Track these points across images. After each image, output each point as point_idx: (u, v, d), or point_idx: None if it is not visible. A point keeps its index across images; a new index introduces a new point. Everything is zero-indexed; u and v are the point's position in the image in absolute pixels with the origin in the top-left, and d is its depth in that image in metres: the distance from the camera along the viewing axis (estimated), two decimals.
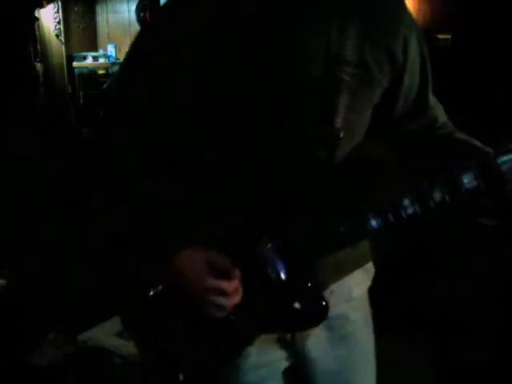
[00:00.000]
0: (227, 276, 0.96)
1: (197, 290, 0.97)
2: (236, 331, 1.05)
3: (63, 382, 2.28)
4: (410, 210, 0.94)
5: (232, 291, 0.97)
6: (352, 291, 1.17)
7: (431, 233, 2.91)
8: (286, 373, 1.18)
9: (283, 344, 1.13)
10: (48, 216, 3.89)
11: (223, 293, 0.96)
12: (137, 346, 1.20)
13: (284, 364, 1.16)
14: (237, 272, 0.97)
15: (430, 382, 2.36)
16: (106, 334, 2.60)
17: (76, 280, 3.03)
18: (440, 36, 3.16)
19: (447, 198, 0.94)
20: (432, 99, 1.11)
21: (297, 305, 1.02)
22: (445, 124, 1.13)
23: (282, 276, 1.00)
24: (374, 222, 0.96)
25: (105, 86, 5.37)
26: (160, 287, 1.05)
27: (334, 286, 1.10)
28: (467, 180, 0.93)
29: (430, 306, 2.70)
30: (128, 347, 2.51)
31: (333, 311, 1.07)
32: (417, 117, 1.09)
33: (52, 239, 3.56)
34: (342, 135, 0.98)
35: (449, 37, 3.18)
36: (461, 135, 1.11)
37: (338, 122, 0.97)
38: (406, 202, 0.94)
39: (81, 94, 5.56)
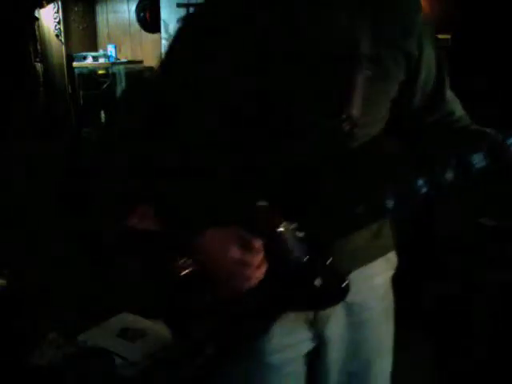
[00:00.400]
0: (252, 249, 1.02)
1: (224, 263, 1.03)
2: (260, 309, 1.09)
3: (63, 382, 2.28)
4: (423, 190, 1.01)
5: (257, 264, 1.03)
6: (374, 279, 1.20)
7: (432, 233, 2.91)
8: (307, 357, 1.21)
9: (306, 327, 1.17)
10: (48, 216, 3.89)
11: (248, 264, 1.02)
12: (170, 330, 1.22)
13: (306, 347, 1.19)
14: (261, 246, 1.03)
15: (429, 382, 2.36)
16: (106, 334, 2.60)
17: (79, 277, 3.03)
18: (440, 36, 3.16)
19: (459, 178, 1.01)
20: (449, 94, 1.15)
21: (317, 282, 1.06)
22: (461, 118, 1.17)
23: (303, 255, 1.05)
24: (390, 203, 1.02)
25: (105, 86, 5.37)
26: (190, 268, 1.10)
27: (355, 273, 1.12)
28: (477, 160, 1.00)
29: (430, 306, 2.70)
30: (128, 347, 2.51)
31: (354, 298, 1.12)
32: (434, 110, 1.14)
33: (52, 239, 3.56)
34: (357, 124, 1.03)
35: (449, 37, 3.17)
36: (476, 127, 1.15)
37: (355, 111, 1.02)
38: (420, 182, 1.01)
39: (81, 93, 5.56)
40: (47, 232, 3.64)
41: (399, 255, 1.30)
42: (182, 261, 1.11)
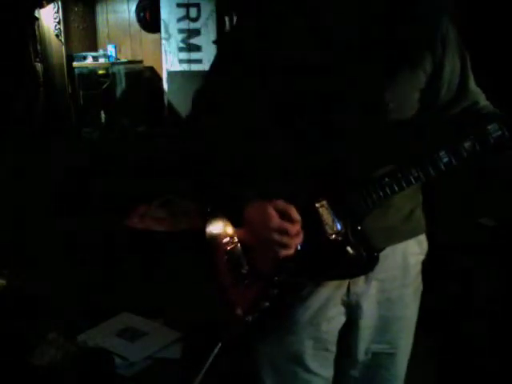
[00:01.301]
0: (290, 220, 1.12)
1: (264, 230, 1.13)
2: (296, 277, 1.20)
3: (63, 382, 2.28)
4: (445, 159, 1.11)
5: (295, 232, 1.12)
6: (407, 259, 1.28)
7: (432, 233, 2.90)
8: (342, 336, 1.30)
9: (339, 301, 1.25)
10: (48, 216, 3.89)
11: (287, 233, 1.11)
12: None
13: (339, 322, 1.27)
14: (299, 217, 1.13)
15: (429, 382, 2.36)
16: (106, 334, 2.60)
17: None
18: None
19: (477, 147, 1.10)
20: (473, 86, 1.24)
21: (350, 249, 1.16)
22: (485, 106, 1.25)
23: (337, 225, 1.16)
24: (415, 174, 1.12)
25: (105, 85, 5.37)
26: (235, 243, 1.24)
27: (388, 250, 1.22)
28: (493, 130, 1.10)
29: (430, 306, 2.70)
30: (128, 347, 2.51)
31: (386, 274, 1.23)
32: (459, 101, 1.22)
33: (52, 238, 3.56)
34: (390, 107, 1.13)
35: None
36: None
37: (387, 96, 1.13)
38: (442, 153, 1.11)
39: (81, 93, 5.55)
40: (47, 231, 3.64)
41: None
42: (227, 239, 1.25)
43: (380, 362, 1.32)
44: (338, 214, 1.16)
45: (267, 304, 1.21)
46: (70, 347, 2.40)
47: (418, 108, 1.19)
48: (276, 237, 1.12)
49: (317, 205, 1.16)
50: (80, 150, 5.05)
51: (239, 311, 1.24)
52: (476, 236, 2.74)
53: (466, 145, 1.10)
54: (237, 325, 1.26)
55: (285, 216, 1.13)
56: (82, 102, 5.57)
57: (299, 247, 1.16)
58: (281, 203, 1.13)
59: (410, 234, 1.29)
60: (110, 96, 5.33)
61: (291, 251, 1.14)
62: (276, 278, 1.19)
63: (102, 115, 5.39)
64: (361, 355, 1.30)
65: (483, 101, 1.25)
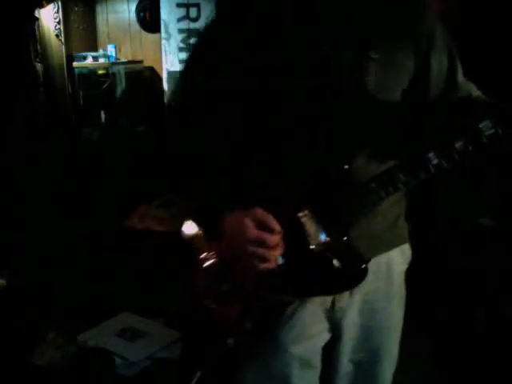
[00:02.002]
0: (269, 230, 1.05)
1: (240, 242, 1.06)
2: (279, 294, 1.12)
3: (63, 382, 2.28)
4: (435, 161, 1.03)
5: (274, 244, 1.05)
6: (390, 268, 1.24)
7: (432, 233, 2.91)
8: (324, 349, 1.25)
9: (324, 317, 1.20)
10: (48, 216, 3.89)
11: (265, 244, 1.05)
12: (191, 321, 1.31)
13: (324, 338, 1.23)
14: (278, 227, 1.06)
15: (429, 381, 2.36)
16: (106, 334, 2.60)
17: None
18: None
19: (469, 147, 1.02)
20: (461, 77, 1.19)
21: (336, 262, 1.09)
22: (478, 97, 1.19)
23: (321, 236, 1.08)
24: (402, 178, 1.05)
25: (105, 85, 5.36)
26: (213, 259, 1.16)
27: (372, 261, 1.15)
28: (485, 128, 1.01)
29: (430, 306, 2.70)
30: (128, 347, 2.51)
31: (370, 286, 1.17)
32: (447, 96, 1.17)
33: (52, 238, 3.56)
34: (374, 107, 1.08)
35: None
36: (484, 98, 1.19)
37: (368, 97, 1.08)
38: (431, 154, 1.03)
39: (81, 93, 5.55)
40: (46, 231, 3.64)
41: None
42: (204, 254, 1.17)
43: (364, 371, 1.29)
44: (322, 224, 1.09)
45: (250, 325, 1.14)
46: (70, 347, 2.40)
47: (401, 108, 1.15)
48: (253, 248, 1.05)
49: (299, 214, 1.09)
50: (80, 149, 5.05)
51: (221, 333, 1.17)
52: (476, 236, 2.74)
53: (458, 145, 1.03)
54: (219, 348, 1.18)
55: (263, 226, 1.06)
56: (82, 102, 5.57)
57: (281, 261, 1.08)
58: (258, 212, 1.06)
59: (395, 243, 1.25)
60: (110, 96, 5.33)
61: (271, 264, 1.06)
62: (259, 296, 1.11)
63: (102, 115, 5.38)
64: (344, 367, 1.27)
65: (475, 91, 1.20)
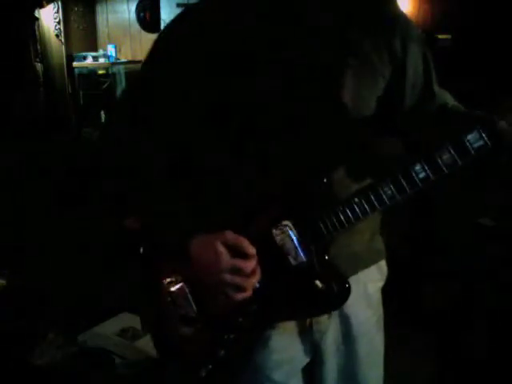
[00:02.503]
0: (244, 255, 0.97)
1: (213, 271, 0.97)
2: (257, 319, 1.03)
3: (63, 382, 2.28)
4: (421, 175, 0.96)
5: (250, 270, 0.97)
6: (367, 287, 1.18)
7: (432, 233, 2.91)
8: (305, 371, 1.19)
9: (303, 341, 1.13)
10: (48, 216, 3.89)
11: (241, 272, 0.96)
12: (155, 345, 1.16)
13: (304, 360, 1.17)
14: (254, 251, 0.97)
15: (430, 381, 2.36)
16: (106, 334, 2.60)
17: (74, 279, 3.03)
18: (440, 36, 3.16)
19: (458, 160, 0.95)
20: (437, 88, 1.15)
21: (318, 283, 1.01)
22: (454, 106, 1.15)
23: (301, 255, 1.00)
24: (388, 192, 0.98)
25: (105, 85, 5.36)
26: (180, 283, 1.05)
27: (350, 281, 1.07)
28: (473, 140, 0.95)
29: (430, 306, 2.70)
30: (128, 347, 2.51)
31: (349, 308, 1.10)
32: (424, 105, 1.12)
33: (52, 238, 3.56)
34: (350, 115, 1.02)
35: (449, 37, 3.17)
36: (467, 110, 1.13)
37: (346, 99, 1.02)
38: (418, 167, 0.96)
39: (81, 93, 5.55)
40: (47, 231, 3.64)
41: (399, 257, 1.30)
42: (170, 278, 1.06)
43: None
44: (301, 242, 1.00)
45: (223, 352, 1.05)
46: (70, 347, 2.40)
47: (376, 117, 1.09)
48: (228, 278, 0.96)
49: (275, 231, 1.00)
50: (80, 150, 5.05)
51: (193, 362, 1.08)
52: (476, 236, 2.74)
53: (445, 158, 0.96)
54: (191, 375, 1.10)
55: (237, 251, 0.97)
56: (82, 101, 5.57)
57: (258, 285, 1.00)
58: (230, 236, 0.97)
59: (373, 260, 1.19)
60: (110, 96, 5.33)
61: (248, 293, 0.98)
62: (233, 322, 1.03)
63: (102, 115, 5.38)
64: None
65: (451, 101, 1.16)
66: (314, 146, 1.03)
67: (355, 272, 1.12)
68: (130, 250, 1.17)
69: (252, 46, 1.01)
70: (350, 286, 1.03)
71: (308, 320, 1.12)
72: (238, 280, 0.97)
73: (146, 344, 2.54)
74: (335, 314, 1.13)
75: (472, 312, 2.55)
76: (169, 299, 1.07)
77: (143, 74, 1.12)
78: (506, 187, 2.58)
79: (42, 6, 5.40)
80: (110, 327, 2.67)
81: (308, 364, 1.19)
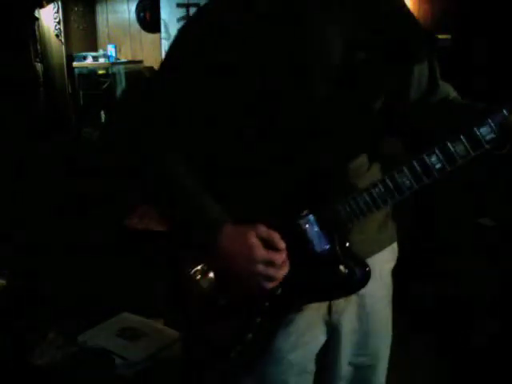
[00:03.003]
0: (276, 248, 1.03)
1: (246, 263, 1.03)
2: (282, 303, 1.10)
3: (63, 382, 2.28)
4: (438, 166, 1.03)
5: (281, 262, 1.04)
6: (381, 269, 1.25)
7: (432, 233, 2.91)
8: (319, 352, 1.25)
9: (321, 322, 1.20)
10: (48, 216, 3.89)
11: (273, 264, 1.03)
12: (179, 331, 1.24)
13: (321, 342, 1.23)
14: (284, 245, 1.04)
15: (430, 381, 2.36)
16: (106, 334, 2.60)
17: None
18: (440, 36, 3.16)
19: (471, 152, 1.02)
20: (440, 82, 1.21)
21: (342, 268, 1.08)
22: (456, 98, 1.22)
23: (324, 242, 1.07)
24: (407, 183, 1.04)
25: (105, 85, 5.36)
26: (207, 272, 1.12)
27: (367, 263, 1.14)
28: (485, 133, 1.01)
29: (430, 306, 2.70)
30: (128, 347, 2.51)
31: (366, 289, 1.15)
32: (428, 97, 1.19)
33: (52, 238, 3.56)
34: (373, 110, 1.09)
35: (449, 37, 3.17)
36: (472, 102, 1.19)
37: (359, 98, 1.08)
38: (433, 159, 1.03)
39: (81, 93, 5.55)
40: (47, 232, 3.64)
41: (398, 257, 1.32)
42: (197, 268, 1.12)
43: (362, 375, 1.30)
44: (323, 229, 1.07)
45: (250, 335, 1.12)
46: (70, 347, 2.40)
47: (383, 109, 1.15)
48: (261, 269, 1.03)
49: (300, 222, 1.07)
50: (80, 149, 5.05)
51: (222, 347, 1.14)
52: (476, 236, 2.74)
53: (459, 149, 1.03)
54: (221, 361, 1.16)
55: (269, 244, 1.04)
56: (82, 101, 5.57)
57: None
58: (264, 230, 1.04)
59: (387, 243, 1.26)
60: (110, 96, 5.32)
61: (277, 282, 1.05)
62: (260, 307, 1.10)
63: (102, 115, 5.38)
64: (344, 371, 1.27)
65: (452, 92, 1.23)
66: (336, 139, 1.09)
67: (369, 256, 1.17)
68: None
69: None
70: (370, 270, 1.10)
71: (326, 303, 1.18)
72: (270, 271, 1.03)
73: (146, 344, 2.54)
74: (353, 294, 1.18)
75: (472, 312, 2.55)
76: (197, 288, 1.13)
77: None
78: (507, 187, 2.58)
79: (42, 6, 5.40)
80: (110, 327, 2.67)
81: (326, 346, 1.24)
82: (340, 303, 1.20)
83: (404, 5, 1.19)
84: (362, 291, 1.16)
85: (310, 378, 1.27)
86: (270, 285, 1.05)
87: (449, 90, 1.22)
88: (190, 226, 1.11)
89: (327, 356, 1.26)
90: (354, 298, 1.20)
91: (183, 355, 2.45)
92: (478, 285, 2.61)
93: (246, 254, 1.03)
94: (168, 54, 1.17)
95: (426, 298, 2.74)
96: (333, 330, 1.23)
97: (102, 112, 5.38)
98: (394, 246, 1.30)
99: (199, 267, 1.13)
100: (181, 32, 1.15)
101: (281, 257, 1.04)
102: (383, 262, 1.25)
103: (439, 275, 2.76)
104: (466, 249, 2.73)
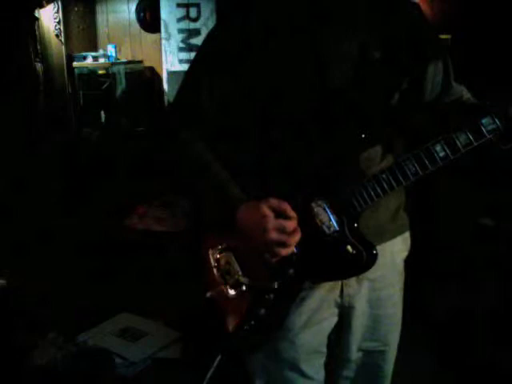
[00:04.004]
0: (287, 217, 1.10)
1: (260, 231, 1.09)
2: (294, 280, 1.17)
3: (63, 382, 2.28)
4: (441, 154, 1.10)
5: (292, 229, 1.10)
6: (394, 257, 1.31)
7: (432, 232, 2.90)
8: (334, 337, 1.30)
9: (333, 303, 1.25)
10: (48, 216, 3.89)
11: (285, 231, 1.09)
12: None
13: (331, 324, 1.28)
14: (294, 214, 1.11)
15: (430, 381, 2.36)
16: (106, 334, 2.60)
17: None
18: (440, 36, 3.16)
19: (473, 141, 1.09)
20: (454, 83, 1.28)
21: (350, 248, 1.15)
22: (469, 99, 1.28)
23: (334, 224, 1.14)
24: (412, 169, 1.11)
25: (105, 85, 5.36)
26: (226, 249, 1.21)
27: (378, 249, 1.18)
28: (487, 123, 1.09)
29: (430, 306, 2.70)
30: (128, 347, 2.51)
31: (376, 273, 1.23)
32: (443, 98, 1.26)
33: (51, 239, 3.56)
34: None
35: (449, 37, 3.18)
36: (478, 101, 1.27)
37: (373, 94, 1.15)
38: (438, 147, 1.10)
39: (81, 93, 5.55)
40: (47, 232, 3.64)
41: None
42: (216, 247, 1.21)
43: (372, 359, 1.34)
44: (333, 212, 1.14)
45: (263, 311, 1.18)
46: (70, 347, 2.41)
47: (397, 110, 1.22)
48: (274, 235, 1.09)
49: (312, 204, 1.15)
50: (80, 149, 5.05)
51: (236, 321, 1.21)
52: (476, 236, 2.74)
53: (462, 139, 1.10)
54: (235, 335, 1.22)
55: (280, 214, 1.10)
56: (82, 102, 5.57)
57: (296, 250, 1.14)
58: (274, 201, 1.11)
59: (398, 232, 1.31)
60: (110, 96, 5.33)
61: (291, 249, 1.11)
62: (275, 283, 1.16)
63: (102, 115, 5.38)
64: (353, 354, 1.32)
65: (466, 94, 1.28)
66: (349, 130, 1.16)
67: (380, 242, 1.22)
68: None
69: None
70: (377, 253, 1.15)
71: (339, 284, 1.24)
72: (283, 237, 1.09)
73: (146, 344, 2.54)
74: (365, 278, 1.24)
75: (472, 312, 2.55)
76: (215, 265, 1.22)
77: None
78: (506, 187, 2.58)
79: (42, 6, 5.40)
80: (110, 327, 2.67)
81: (337, 329, 1.29)
82: (352, 286, 1.25)
83: (418, 10, 1.26)
84: (374, 275, 1.22)
85: (321, 359, 1.31)
86: (284, 251, 1.10)
87: (462, 91, 1.28)
88: (213, 203, 1.20)
89: (338, 338, 1.30)
90: (365, 282, 1.25)
91: (183, 355, 2.45)
92: (478, 285, 2.61)
93: (259, 223, 1.09)
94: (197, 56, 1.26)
95: (426, 298, 2.74)
96: (344, 313, 1.27)
97: (102, 112, 5.39)
98: (406, 235, 1.35)
99: (218, 246, 1.22)
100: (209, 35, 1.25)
101: (292, 224, 1.10)
102: (395, 250, 1.30)
103: (439, 275, 2.76)
104: (466, 249, 2.73)
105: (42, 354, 2.34)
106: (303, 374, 1.28)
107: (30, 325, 2.55)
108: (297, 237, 1.11)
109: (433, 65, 1.22)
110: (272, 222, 1.09)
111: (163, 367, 2.41)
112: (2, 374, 2.25)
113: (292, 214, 1.10)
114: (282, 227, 1.09)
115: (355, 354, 1.32)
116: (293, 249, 1.12)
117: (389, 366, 1.38)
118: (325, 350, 1.30)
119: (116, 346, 2.51)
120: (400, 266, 1.35)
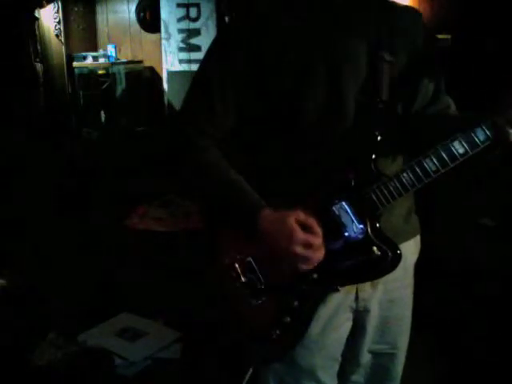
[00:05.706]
0: (313, 232, 1.09)
1: (287, 243, 1.08)
2: (318, 285, 1.16)
3: (63, 382, 2.28)
4: (461, 151, 1.11)
5: (318, 245, 1.09)
6: (407, 259, 1.29)
7: (432, 233, 2.91)
8: (347, 339, 1.29)
9: (348, 308, 1.25)
10: (48, 216, 3.90)
11: (311, 246, 1.08)
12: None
13: (347, 329, 1.27)
14: (320, 230, 1.10)
15: (429, 381, 2.36)
16: (106, 334, 2.60)
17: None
18: (440, 36, 3.16)
19: (469, 150, 1.11)
20: (443, 94, 1.29)
21: (375, 249, 1.14)
22: (453, 111, 1.29)
23: (358, 226, 1.14)
24: (432, 166, 1.11)
25: (105, 85, 5.37)
26: (246, 257, 1.18)
27: None
28: (479, 134, 1.10)
29: (430, 306, 2.70)
30: (128, 347, 2.51)
31: (390, 275, 1.19)
32: (435, 102, 1.27)
33: (51, 238, 3.56)
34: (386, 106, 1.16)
35: (449, 37, 3.18)
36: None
37: (384, 95, 1.17)
38: (457, 144, 1.11)
39: (81, 93, 5.56)
40: (47, 232, 3.64)
41: None
42: (236, 255, 1.19)
43: (381, 362, 1.34)
44: (356, 214, 1.14)
45: (289, 319, 1.16)
46: (70, 347, 2.40)
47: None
48: (300, 251, 1.08)
49: (334, 208, 1.14)
50: (80, 150, 5.06)
51: (262, 330, 1.19)
52: (476, 236, 2.74)
53: (459, 149, 1.11)
54: (262, 345, 1.20)
55: (306, 228, 1.09)
56: (82, 102, 5.58)
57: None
58: (302, 215, 1.10)
59: (411, 235, 1.31)
60: (110, 96, 5.33)
61: (313, 265, 1.11)
62: (300, 288, 1.16)
63: (102, 115, 5.39)
64: (363, 357, 1.31)
65: (453, 105, 1.30)
66: (365, 130, 1.16)
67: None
68: None
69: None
70: (401, 253, 1.15)
71: (355, 288, 1.23)
72: (308, 253, 1.08)
73: (146, 344, 2.54)
74: (379, 282, 1.24)
75: (472, 312, 2.55)
76: (235, 274, 1.19)
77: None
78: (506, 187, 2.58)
79: (42, 6, 5.41)
80: (110, 327, 2.67)
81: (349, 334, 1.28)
82: (367, 290, 1.24)
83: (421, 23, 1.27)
84: (387, 278, 1.21)
85: (336, 366, 1.30)
86: (306, 266, 1.10)
87: (450, 103, 1.29)
88: (230, 211, 1.18)
89: (351, 343, 1.30)
90: (380, 285, 1.25)
91: (183, 355, 2.45)
92: (478, 285, 2.61)
93: (286, 236, 1.08)
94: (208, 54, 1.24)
95: (426, 298, 2.74)
96: (358, 317, 1.27)
97: (102, 112, 5.39)
98: (418, 238, 1.35)
99: (239, 254, 1.19)
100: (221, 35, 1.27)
101: (318, 240, 1.09)
102: (408, 253, 1.29)
103: (439, 275, 2.76)
104: (466, 249, 2.73)
105: (41, 354, 2.34)
106: (319, 382, 1.26)
107: (30, 325, 2.55)
108: (321, 254, 1.10)
109: (427, 70, 1.24)
110: (299, 236, 1.08)
111: (163, 367, 2.40)
112: (2, 373, 2.25)
113: (318, 230, 1.10)
114: (308, 243, 1.08)
115: (365, 357, 1.32)
116: (315, 265, 1.11)
117: (397, 370, 1.37)
118: (340, 357, 1.29)
119: (116, 345, 2.50)
120: (411, 268, 1.34)
